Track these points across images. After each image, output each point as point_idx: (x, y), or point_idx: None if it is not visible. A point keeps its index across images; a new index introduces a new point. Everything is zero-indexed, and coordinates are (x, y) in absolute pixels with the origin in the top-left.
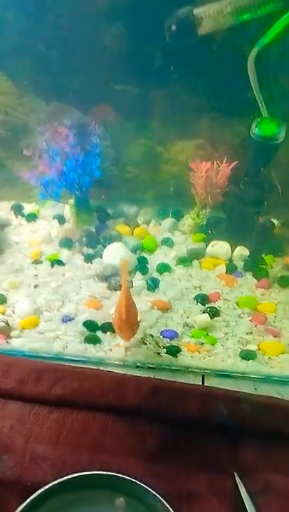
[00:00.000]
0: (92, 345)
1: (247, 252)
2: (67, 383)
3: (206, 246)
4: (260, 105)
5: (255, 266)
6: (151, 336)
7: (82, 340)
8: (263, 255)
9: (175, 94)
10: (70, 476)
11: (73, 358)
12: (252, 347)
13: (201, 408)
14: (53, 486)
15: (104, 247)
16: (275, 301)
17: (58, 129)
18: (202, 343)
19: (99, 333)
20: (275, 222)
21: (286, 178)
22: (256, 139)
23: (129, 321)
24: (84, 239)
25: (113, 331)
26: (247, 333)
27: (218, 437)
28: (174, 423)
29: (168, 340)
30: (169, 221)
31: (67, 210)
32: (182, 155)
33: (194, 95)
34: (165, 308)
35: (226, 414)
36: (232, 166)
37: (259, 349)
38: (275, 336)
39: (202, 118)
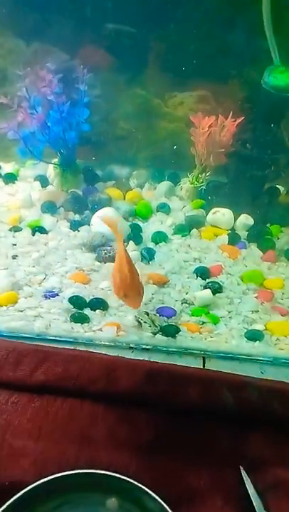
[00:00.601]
0: (79, 324)
1: (251, 221)
2: (50, 367)
3: (206, 213)
4: (272, 53)
5: (260, 236)
6: (147, 313)
7: (68, 318)
8: (268, 225)
9: (176, 36)
10: (55, 476)
11: (57, 339)
12: (258, 327)
13: (203, 394)
14: (34, 487)
15: (93, 212)
16: (282, 276)
17: (40, 73)
18: (203, 322)
19: (87, 311)
20: (281, 189)
21: None
22: (268, 90)
23: (135, 284)
24: (70, 203)
25: (103, 309)
26: (252, 312)
27: (222, 427)
28: (173, 411)
29: (165, 318)
30: (165, 185)
31: (50, 170)
32: (182, 109)
33: (198, 39)
34: (162, 283)
35: (230, 400)
36: (238, 122)
37: (266, 329)
38: (283, 315)
39: (206, 66)
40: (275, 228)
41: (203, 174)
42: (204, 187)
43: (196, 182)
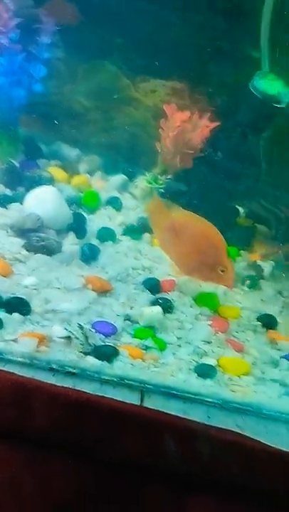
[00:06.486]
0: None
1: None
2: None
3: None
4: (263, 59)
5: None
6: (81, 326)
7: None
8: None
9: (165, 14)
10: None
11: None
12: (210, 361)
13: (141, 441)
14: None
15: (29, 190)
16: (239, 305)
17: None
18: (147, 347)
19: (0, 313)
20: (241, 210)
21: (272, 156)
22: (253, 98)
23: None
24: (1, 174)
25: (24, 312)
26: (205, 342)
27: (161, 487)
28: (100, 460)
29: (102, 336)
30: (119, 178)
31: None
32: (152, 98)
33: (188, 24)
34: (103, 291)
35: (176, 454)
36: (214, 126)
37: (218, 365)
38: (237, 351)
39: (190, 57)
40: (233, 250)
41: (164, 176)
42: (162, 190)
43: (154, 182)
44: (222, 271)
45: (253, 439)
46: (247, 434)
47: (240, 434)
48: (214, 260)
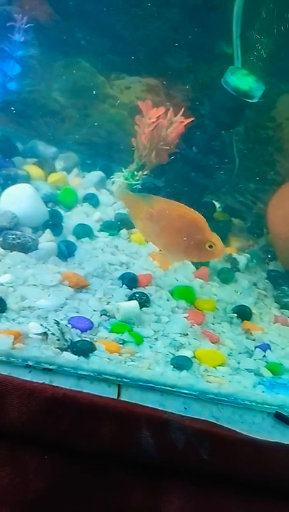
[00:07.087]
0: None
1: None
2: None
3: None
4: (235, 54)
5: None
6: (57, 322)
7: None
8: None
9: (138, 13)
10: None
11: None
12: (186, 353)
13: (116, 433)
14: None
15: (4, 188)
16: (214, 298)
17: None
18: (124, 341)
19: None
20: (217, 205)
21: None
22: (225, 92)
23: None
24: None
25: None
26: (181, 335)
27: (137, 477)
28: (75, 454)
29: (78, 332)
30: (96, 175)
31: None
32: (128, 95)
33: (162, 17)
34: (80, 286)
35: (150, 444)
36: (188, 121)
37: (194, 357)
38: (213, 342)
39: (164, 54)
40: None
41: (140, 172)
42: (139, 186)
43: (131, 179)
44: (210, 246)
45: (228, 428)
46: (222, 424)
47: (215, 423)
48: (199, 238)
